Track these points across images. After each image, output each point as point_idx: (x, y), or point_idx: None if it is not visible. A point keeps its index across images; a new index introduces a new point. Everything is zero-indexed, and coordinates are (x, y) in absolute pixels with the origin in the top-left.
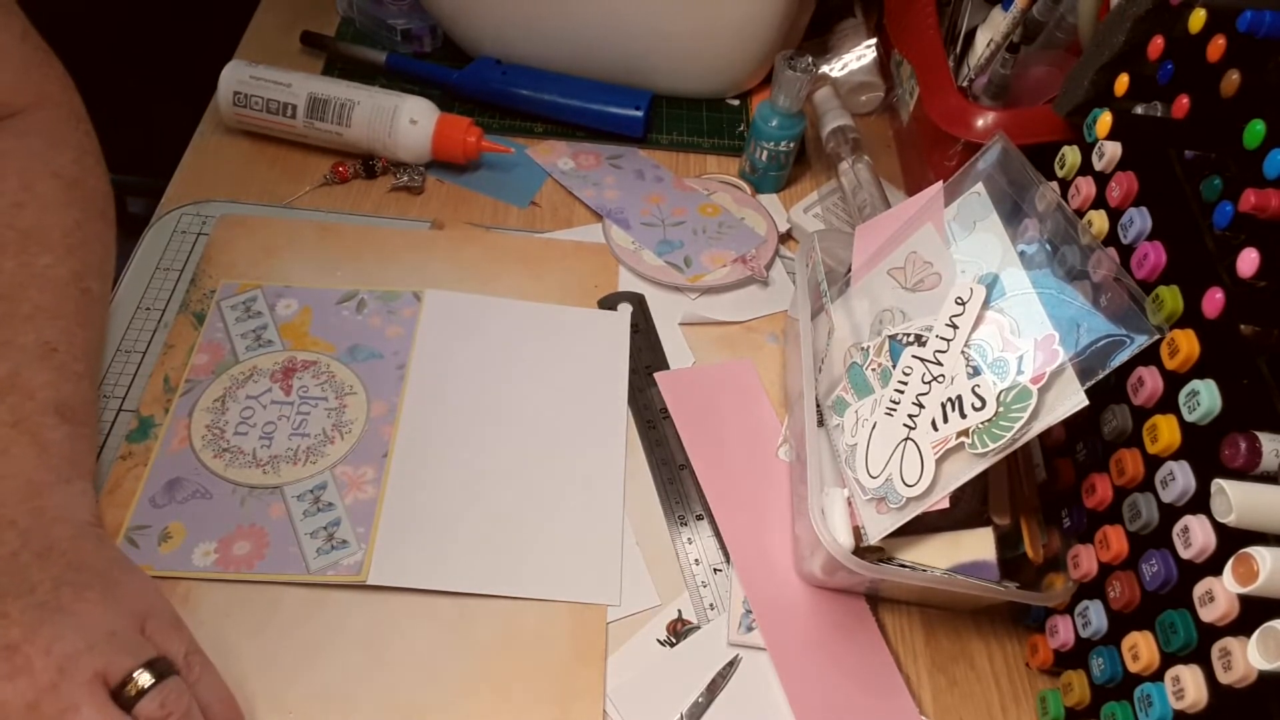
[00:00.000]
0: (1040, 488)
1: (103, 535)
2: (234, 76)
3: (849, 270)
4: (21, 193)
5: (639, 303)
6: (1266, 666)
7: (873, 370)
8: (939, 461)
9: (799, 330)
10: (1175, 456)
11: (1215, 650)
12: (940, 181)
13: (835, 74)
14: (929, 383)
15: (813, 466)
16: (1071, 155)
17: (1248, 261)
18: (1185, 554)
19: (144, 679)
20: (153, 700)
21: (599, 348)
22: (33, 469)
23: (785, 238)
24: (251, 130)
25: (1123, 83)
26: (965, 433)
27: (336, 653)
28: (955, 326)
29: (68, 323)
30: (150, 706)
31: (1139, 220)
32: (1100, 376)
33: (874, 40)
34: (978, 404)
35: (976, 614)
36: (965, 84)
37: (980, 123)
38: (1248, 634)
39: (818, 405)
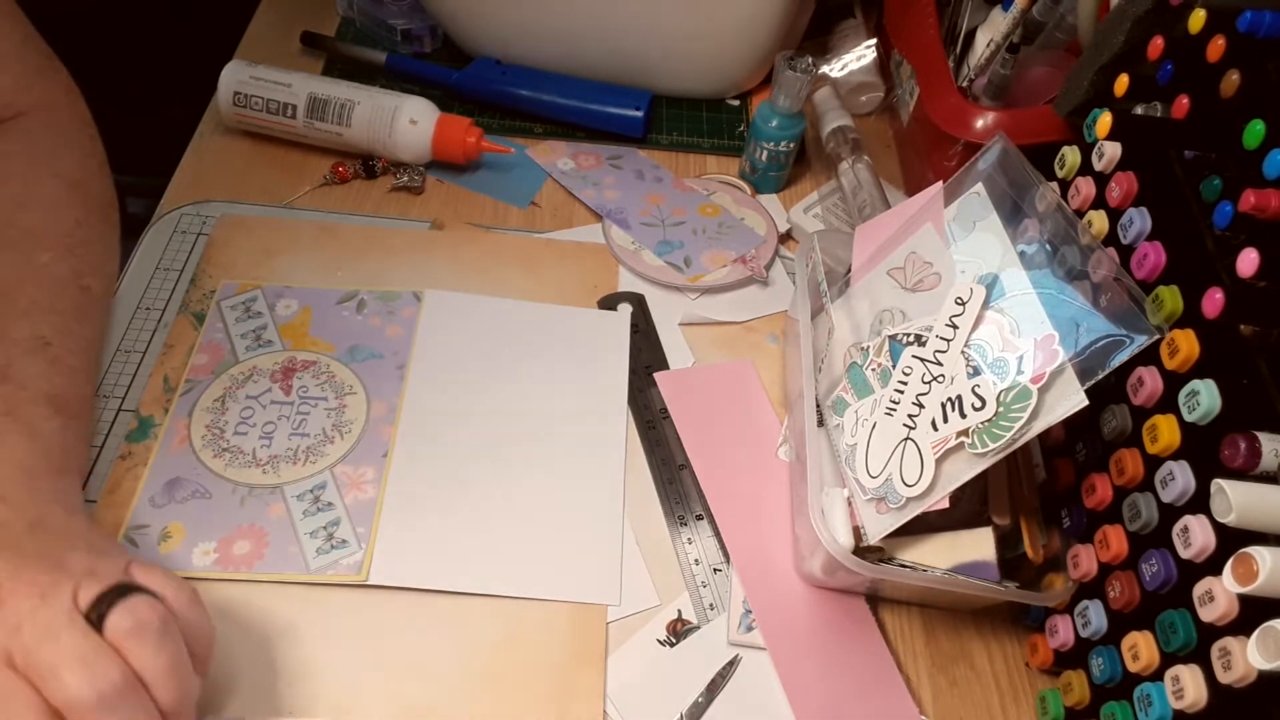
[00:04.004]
0: (1040, 488)
1: (93, 521)
2: (234, 76)
3: (849, 270)
4: (24, 193)
5: (639, 303)
6: (1266, 666)
7: (872, 370)
8: (939, 461)
9: (799, 330)
10: (1175, 456)
11: (1215, 650)
12: (940, 182)
13: (835, 74)
14: (929, 383)
15: (813, 466)
16: (1071, 155)
17: (1247, 261)
18: (1185, 554)
19: (113, 596)
20: (121, 613)
21: (599, 348)
22: (25, 455)
23: (785, 238)
24: (251, 130)
25: (1122, 83)
26: (965, 433)
27: (336, 653)
28: (955, 326)
29: (65, 319)
30: (120, 620)
31: (1139, 220)
32: (1100, 376)
33: (874, 41)
34: (978, 404)
35: (976, 614)
36: (965, 84)
37: (980, 123)
38: (1247, 634)
39: (818, 405)
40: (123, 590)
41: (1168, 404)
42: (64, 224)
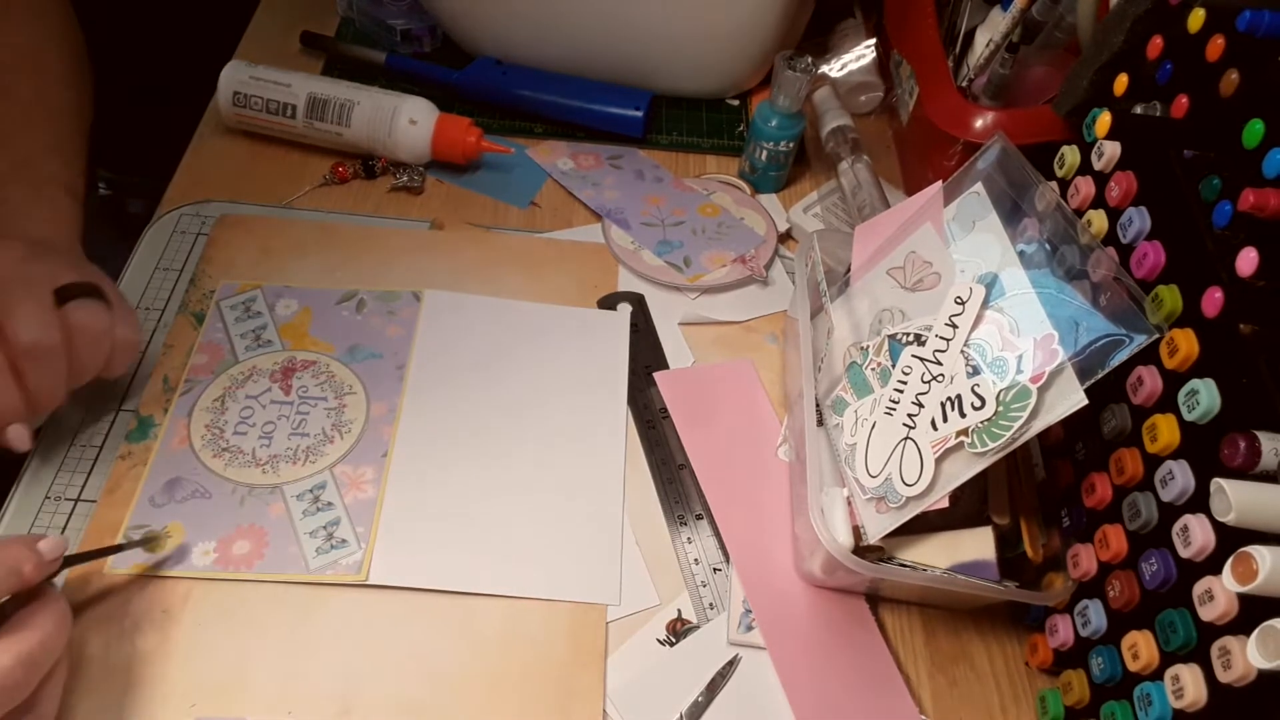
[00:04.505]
0: (1040, 487)
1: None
2: (234, 76)
3: (848, 270)
4: (43, 40)
5: (639, 303)
6: (1266, 665)
7: (872, 370)
8: (938, 461)
9: (799, 330)
10: (1175, 456)
11: (1215, 649)
12: (939, 181)
13: (835, 74)
14: (928, 382)
15: (812, 466)
16: (1071, 155)
17: (1247, 261)
18: (1185, 553)
19: (80, 290)
20: (78, 307)
21: (599, 348)
22: (46, 226)
23: (785, 238)
24: (251, 130)
25: (1122, 82)
26: (965, 432)
27: (336, 652)
28: (955, 326)
29: (68, 133)
30: (80, 314)
31: (1138, 220)
32: (1099, 376)
33: (873, 40)
34: (977, 403)
35: (976, 614)
36: (964, 84)
37: (979, 123)
38: (1247, 633)
39: (817, 405)
40: (90, 290)
41: (1167, 403)
42: (64, 64)
